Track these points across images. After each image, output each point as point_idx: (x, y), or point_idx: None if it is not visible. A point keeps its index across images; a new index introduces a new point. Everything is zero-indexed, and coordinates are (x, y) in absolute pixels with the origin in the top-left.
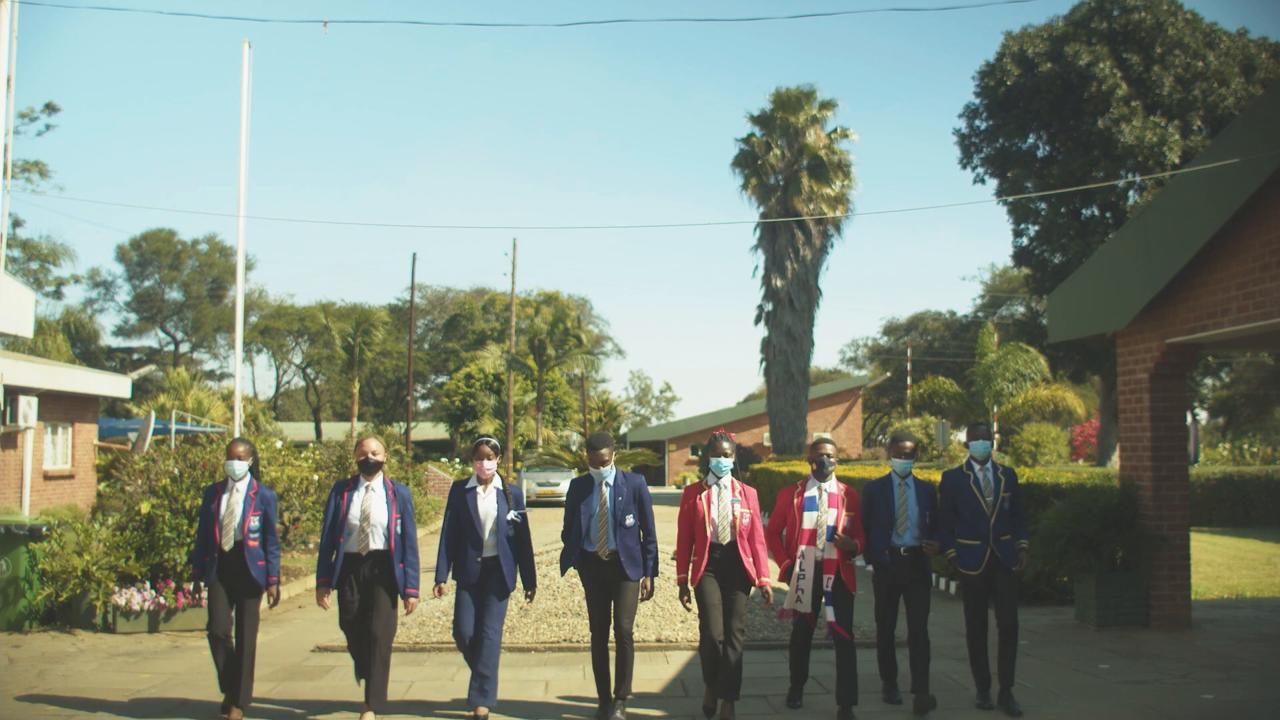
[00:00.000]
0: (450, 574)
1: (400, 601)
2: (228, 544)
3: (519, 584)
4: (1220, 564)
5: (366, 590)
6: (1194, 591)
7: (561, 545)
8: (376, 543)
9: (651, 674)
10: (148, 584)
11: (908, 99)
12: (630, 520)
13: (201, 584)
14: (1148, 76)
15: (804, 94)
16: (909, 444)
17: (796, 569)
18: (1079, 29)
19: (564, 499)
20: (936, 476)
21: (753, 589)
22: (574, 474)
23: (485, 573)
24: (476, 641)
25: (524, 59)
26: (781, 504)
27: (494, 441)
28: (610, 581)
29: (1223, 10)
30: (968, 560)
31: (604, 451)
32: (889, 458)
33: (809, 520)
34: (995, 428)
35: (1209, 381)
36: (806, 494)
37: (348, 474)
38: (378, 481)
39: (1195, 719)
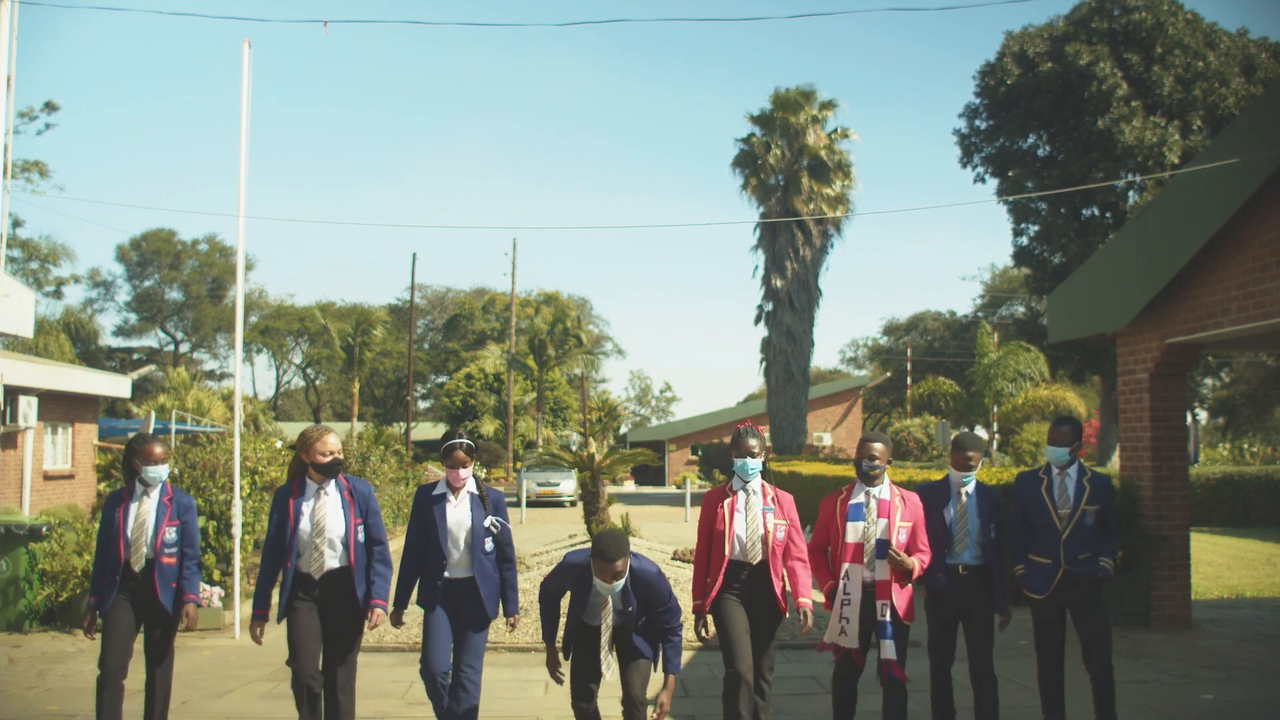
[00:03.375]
0: (416, 600)
1: (368, 618)
2: (138, 563)
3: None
4: (1220, 564)
5: (323, 619)
6: (1194, 591)
7: (557, 556)
8: (332, 560)
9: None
10: None
11: (908, 99)
12: (643, 623)
13: (98, 614)
14: (1148, 76)
15: (804, 94)
16: (973, 455)
17: (840, 593)
18: (1079, 29)
19: (564, 499)
20: (939, 476)
21: (796, 614)
22: (574, 475)
23: (458, 598)
24: (453, 687)
25: (524, 59)
26: (824, 514)
27: (467, 442)
28: (619, 645)
29: (1223, 10)
30: (1034, 581)
31: (619, 564)
32: (950, 466)
33: (853, 532)
34: (995, 428)
35: (1209, 381)
36: (851, 500)
37: (347, 473)
38: (330, 482)
39: (1195, 719)
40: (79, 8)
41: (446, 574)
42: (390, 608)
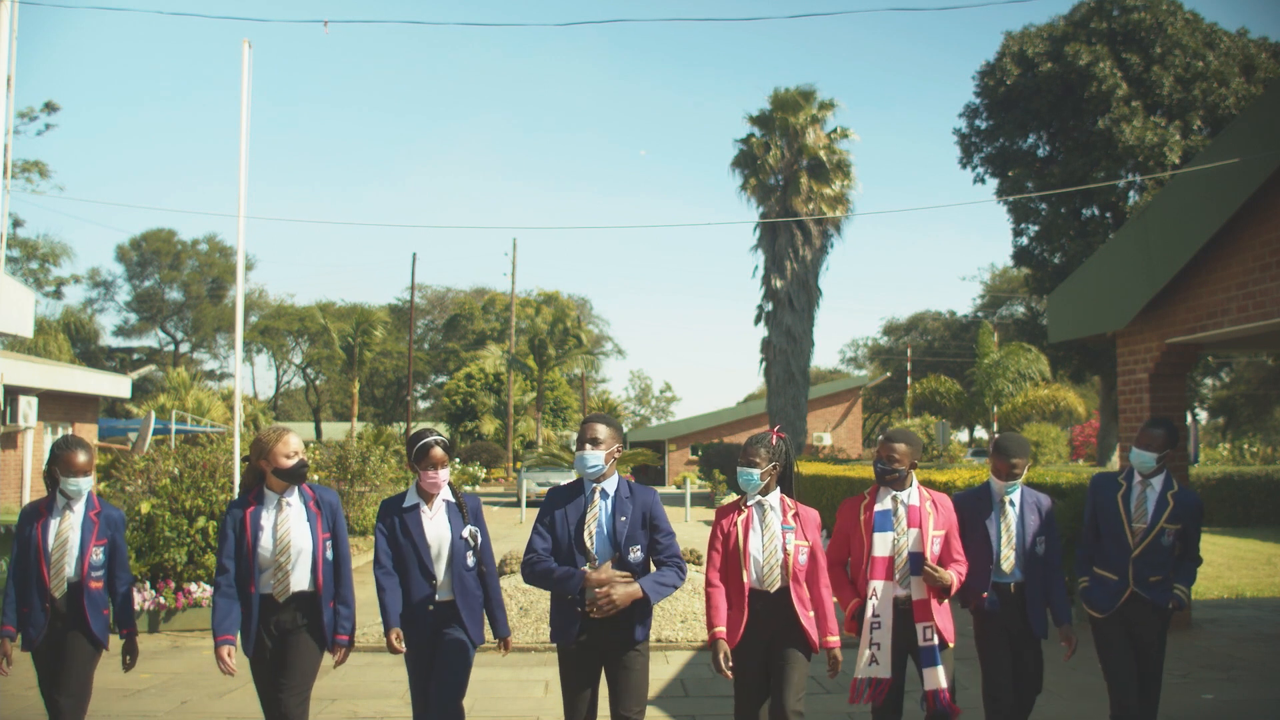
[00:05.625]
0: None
1: (331, 654)
2: (58, 589)
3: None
4: (1220, 564)
5: (283, 647)
6: (1194, 591)
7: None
8: (300, 582)
9: (651, 674)
10: (148, 584)
11: (908, 99)
12: (637, 554)
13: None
14: (1148, 76)
15: (803, 94)
16: (1018, 461)
17: (869, 615)
18: (1079, 29)
19: None
20: (940, 477)
21: (815, 654)
22: (574, 475)
23: (439, 624)
24: None
25: (524, 59)
26: (844, 522)
27: (444, 439)
28: (605, 649)
29: (1223, 10)
30: (1097, 598)
31: (597, 427)
32: (991, 474)
33: (882, 545)
34: (995, 428)
35: (1209, 381)
36: (877, 507)
37: (347, 474)
38: (293, 491)
39: (1195, 719)
40: (79, 8)
41: (427, 598)
42: (352, 643)
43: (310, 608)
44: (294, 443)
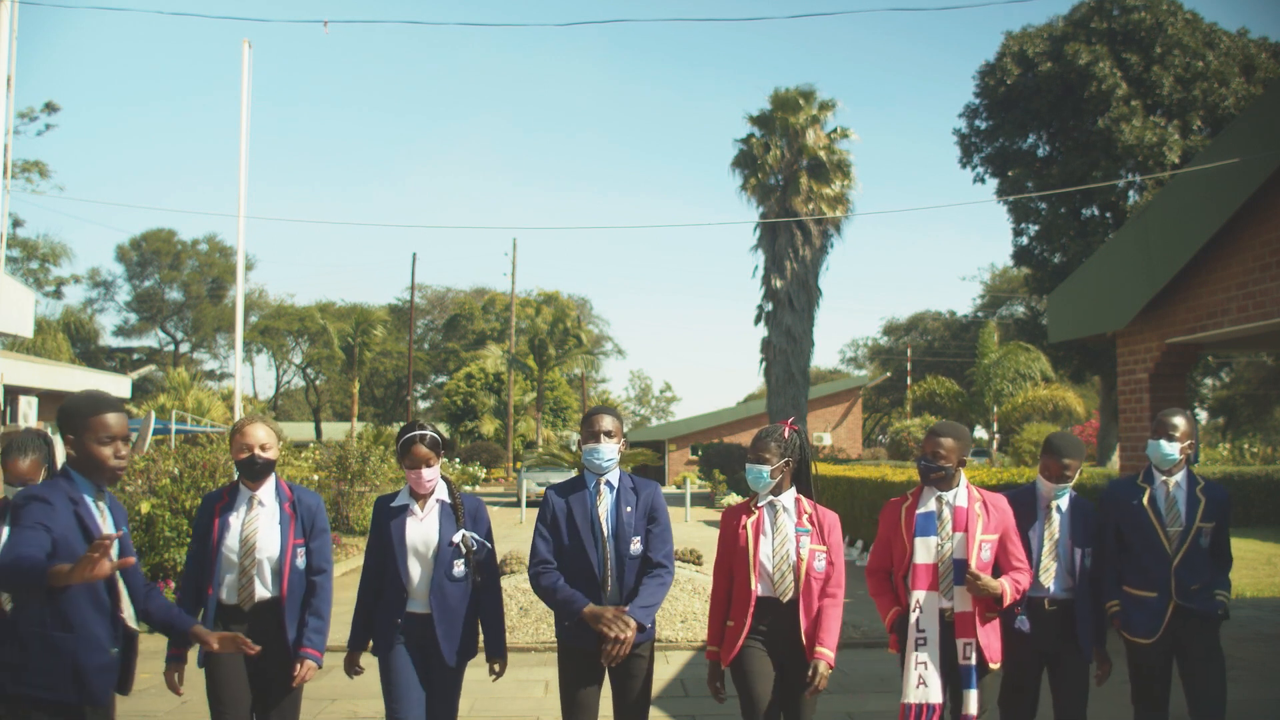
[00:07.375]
0: (373, 641)
1: (295, 672)
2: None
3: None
4: None
5: (253, 667)
6: None
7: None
8: (263, 589)
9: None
10: None
11: (908, 99)
12: (637, 546)
13: None
14: (1148, 76)
15: (803, 94)
16: (1071, 462)
17: (913, 630)
18: (1079, 29)
19: None
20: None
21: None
22: (574, 475)
23: (417, 641)
24: None
25: (524, 59)
26: (886, 525)
27: (431, 434)
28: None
29: (1223, 10)
30: (1137, 622)
31: (605, 420)
32: (1040, 474)
33: (924, 550)
34: (995, 428)
35: (1209, 381)
36: (920, 509)
37: (347, 474)
38: (268, 491)
39: None
40: (79, 8)
41: (409, 608)
42: (321, 661)
43: (274, 618)
44: (256, 435)
